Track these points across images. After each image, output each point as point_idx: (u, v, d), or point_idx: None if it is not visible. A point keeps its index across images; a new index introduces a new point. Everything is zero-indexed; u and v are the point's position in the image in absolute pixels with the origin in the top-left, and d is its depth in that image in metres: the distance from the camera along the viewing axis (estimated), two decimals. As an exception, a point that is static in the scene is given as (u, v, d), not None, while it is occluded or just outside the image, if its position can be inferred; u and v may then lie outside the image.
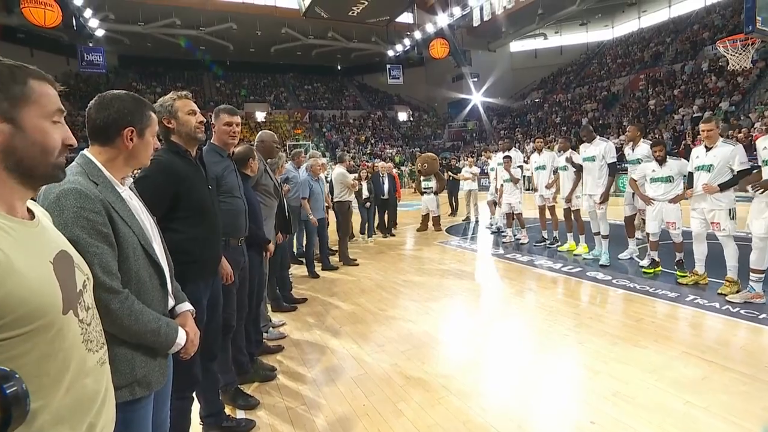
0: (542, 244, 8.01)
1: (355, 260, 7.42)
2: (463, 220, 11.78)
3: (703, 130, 4.92)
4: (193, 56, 36.59)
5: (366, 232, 9.66)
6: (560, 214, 7.67)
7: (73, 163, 1.52)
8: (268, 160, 4.30)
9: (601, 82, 31.95)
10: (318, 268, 6.90)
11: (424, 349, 3.90)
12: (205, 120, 2.41)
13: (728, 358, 3.38)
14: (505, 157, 8.38)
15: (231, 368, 3.07)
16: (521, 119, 35.62)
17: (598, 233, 6.71)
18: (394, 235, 9.96)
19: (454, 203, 13.44)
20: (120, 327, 1.41)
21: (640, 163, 6.06)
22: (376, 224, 9.99)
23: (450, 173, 13.09)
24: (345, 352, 3.94)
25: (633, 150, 6.26)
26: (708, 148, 4.89)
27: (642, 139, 6.27)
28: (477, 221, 11.58)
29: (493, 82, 38.08)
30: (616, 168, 6.45)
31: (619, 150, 10.43)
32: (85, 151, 1.55)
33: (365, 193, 9.10)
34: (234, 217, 2.93)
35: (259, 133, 4.33)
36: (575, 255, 6.98)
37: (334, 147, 34.60)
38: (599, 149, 6.37)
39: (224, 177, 2.88)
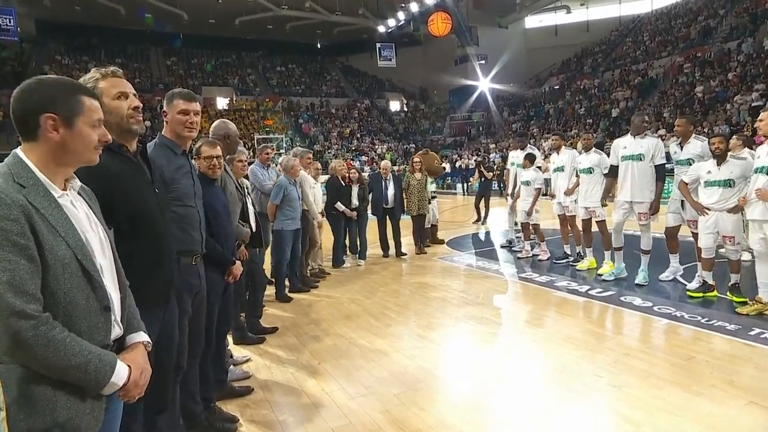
0: (564, 261, 8.00)
1: (317, 282, 7.34)
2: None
3: (759, 122, 4.93)
4: (137, 26, 36.23)
5: (355, 250, 8.92)
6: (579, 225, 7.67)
7: (2, 164, 1.54)
8: (227, 157, 4.19)
9: (635, 65, 32.33)
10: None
11: (422, 391, 3.82)
12: (140, 105, 2.31)
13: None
14: (527, 155, 8.37)
15: (178, 421, 2.95)
16: (537, 110, 35.97)
17: (620, 248, 6.69)
18: (404, 254, 9.25)
19: (485, 208, 13.39)
20: (35, 360, 1.39)
21: (690, 164, 5.96)
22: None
23: (482, 172, 13.14)
24: (324, 395, 3.84)
25: (681, 148, 6.20)
26: None
27: (694, 135, 6.19)
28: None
29: (504, 66, 38.46)
30: (665, 171, 6.24)
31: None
32: (18, 150, 1.57)
33: (354, 201, 8.46)
34: (184, 231, 2.82)
35: (219, 124, 4.16)
36: (599, 275, 6.96)
37: (312, 142, 34.60)
38: (648, 145, 6.21)
39: (176, 180, 2.78)
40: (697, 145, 6.04)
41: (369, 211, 9.10)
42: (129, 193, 2.18)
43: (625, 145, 6.45)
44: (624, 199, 6.45)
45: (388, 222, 9.24)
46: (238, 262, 3.54)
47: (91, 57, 36.21)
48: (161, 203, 2.33)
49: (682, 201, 6.18)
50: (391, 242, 9.33)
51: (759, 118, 4.99)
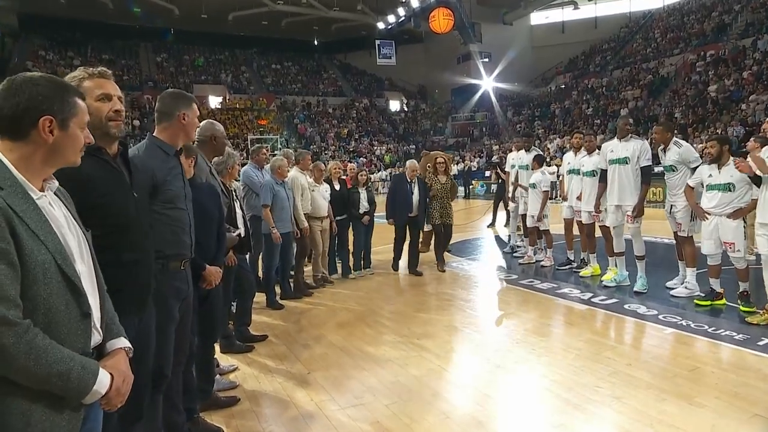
0: (567, 267, 8.03)
1: (311, 292, 7.23)
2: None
3: (766, 123, 4.99)
4: (126, 20, 36.20)
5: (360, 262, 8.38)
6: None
7: None
8: (214, 160, 4.21)
9: (646, 63, 32.44)
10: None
11: (414, 402, 3.83)
12: (122, 109, 2.31)
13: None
14: (536, 157, 8.42)
15: (160, 432, 2.96)
16: (543, 110, 36.03)
17: (622, 253, 6.76)
18: (420, 274, 8.24)
19: (504, 210, 13.27)
20: (14, 368, 1.38)
21: (674, 170, 6.16)
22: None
23: (499, 174, 13.19)
24: (313, 406, 3.85)
25: (665, 154, 6.34)
26: None
27: (674, 140, 6.31)
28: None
29: (509, 64, 38.60)
30: (651, 173, 6.47)
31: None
32: None
33: (364, 205, 8.06)
34: (174, 234, 2.83)
35: (206, 125, 4.15)
36: (603, 281, 6.99)
37: (308, 143, 34.63)
38: (633, 148, 6.40)
39: (169, 182, 2.79)
40: (675, 151, 6.18)
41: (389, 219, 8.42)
42: (105, 197, 2.18)
43: (612, 148, 6.65)
44: (612, 203, 6.60)
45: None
46: (212, 268, 3.41)
47: (77, 53, 36.27)
48: (140, 208, 2.34)
49: (671, 206, 6.30)
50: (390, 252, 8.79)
51: (767, 120, 5.05)
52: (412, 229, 8.27)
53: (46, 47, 35.91)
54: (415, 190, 8.09)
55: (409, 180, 8.14)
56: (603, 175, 6.79)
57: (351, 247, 8.40)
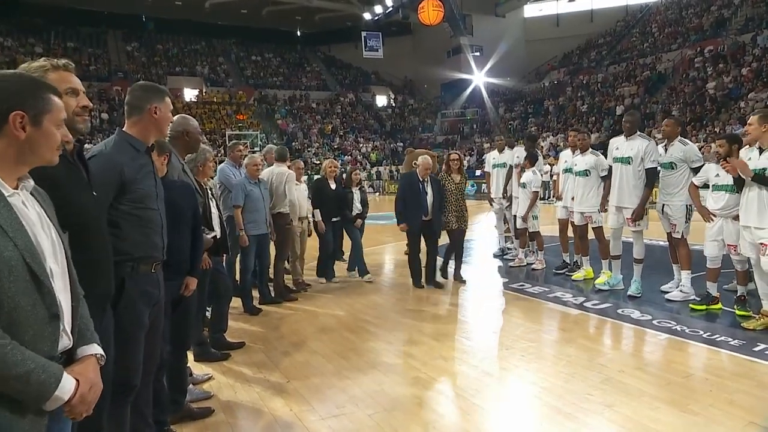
0: (564, 271, 8.07)
1: (295, 297, 7.17)
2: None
3: (748, 125, 5.09)
4: (93, 5, 35.65)
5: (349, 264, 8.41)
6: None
7: None
8: (187, 157, 4.18)
9: (643, 59, 32.74)
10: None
11: (399, 412, 3.83)
12: (90, 105, 2.32)
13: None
14: (528, 155, 8.43)
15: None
16: (536, 107, 36.22)
17: (618, 257, 6.81)
18: (441, 286, 7.57)
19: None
20: None
21: (673, 168, 6.20)
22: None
23: None
24: (292, 417, 3.84)
25: (666, 150, 6.38)
26: (762, 150, 5.02)
27: (679, 137, 6.37)
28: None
29: (501, 58, 38.74)
30: (655, 176, 6.45)
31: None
32: None
33: (357, 207, 8.08)
34: (145, 235, 2.81)
35: (178, 119, 4.10)
36: (596, 285, 7.05)
37: (290, 139, 34.53)
38: (638, 148, 6.37)
39: (138, 181, 2.76)
40: (679, 148, 6.23)
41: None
42: (69, 198, 2.15)
43: (617, 146, 6.66)
44: (612, 204, 6.64)
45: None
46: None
47: (39, 40, 35.61)
48: (99, 207, 2.33)
49: (663, 205, 6.35)
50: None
51: (748, 122, 5.14)
52: (427, 236, 7.53)
53: (4, 33, 35.01)
54: (429, 191, 7.39)
55: (421, 179, 7.41)
56: (611, 172, 6.77)
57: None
